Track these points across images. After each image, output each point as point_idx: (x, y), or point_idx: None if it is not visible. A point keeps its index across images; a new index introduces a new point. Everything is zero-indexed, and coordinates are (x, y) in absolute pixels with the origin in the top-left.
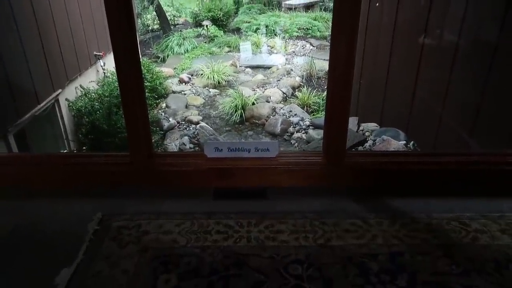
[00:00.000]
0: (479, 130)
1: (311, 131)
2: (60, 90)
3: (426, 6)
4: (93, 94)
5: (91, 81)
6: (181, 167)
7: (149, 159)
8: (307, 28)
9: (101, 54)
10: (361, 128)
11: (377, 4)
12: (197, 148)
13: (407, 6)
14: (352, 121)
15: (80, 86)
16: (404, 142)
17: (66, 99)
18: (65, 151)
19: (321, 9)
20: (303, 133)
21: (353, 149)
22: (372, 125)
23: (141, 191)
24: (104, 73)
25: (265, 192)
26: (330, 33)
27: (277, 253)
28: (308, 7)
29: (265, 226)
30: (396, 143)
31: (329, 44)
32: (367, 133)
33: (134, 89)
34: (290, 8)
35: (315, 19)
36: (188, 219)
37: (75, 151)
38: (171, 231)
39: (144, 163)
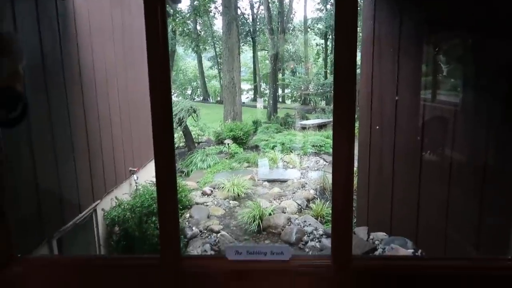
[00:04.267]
0: (482, 243)
1: (324, 240)
2: (98, 201)
3: (419, 128)
4: (126, 205)
5: (125, 193)
6: (206, 269)
7: (177, 261)
8: (320, 145)
9: (135, 169)
10: (371, 237)
11: (377, 127)
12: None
13: (403, 128)
14: (363, 231)
15: (116, 197)
16: (412, 250)
17: (102, 209)
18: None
19: None
20: (316, 242)
21: None
22: (381, 234)
23: None
24: (136, 186)
25: None
26: None
27: None
28: (321, 127)
29: None
30: (404, 251)
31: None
32: (376, 242)
33: (169, 196)
34: (304, 128)
35: (327, 137)
36: None
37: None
38: None
39: (173, 264)
